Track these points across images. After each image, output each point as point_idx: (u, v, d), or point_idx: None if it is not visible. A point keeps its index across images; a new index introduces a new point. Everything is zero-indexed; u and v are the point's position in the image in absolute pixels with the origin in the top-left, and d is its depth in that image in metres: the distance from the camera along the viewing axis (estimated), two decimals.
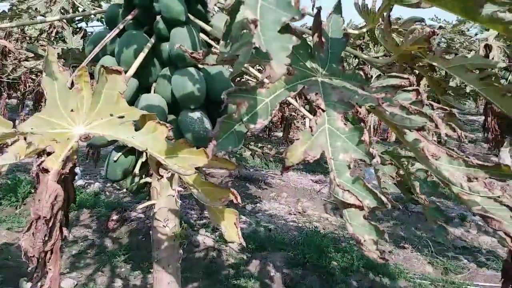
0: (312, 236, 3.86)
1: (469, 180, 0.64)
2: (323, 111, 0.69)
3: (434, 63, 1.37)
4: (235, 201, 0.84)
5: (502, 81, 3.91)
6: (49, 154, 0.68)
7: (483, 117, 3.64)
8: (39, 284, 0.80)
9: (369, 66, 2.44)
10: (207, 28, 1.41)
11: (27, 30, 4.68)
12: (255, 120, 0.71)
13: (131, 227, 4.34)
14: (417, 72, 1.50)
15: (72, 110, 0.82)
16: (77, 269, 3.50)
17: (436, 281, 3.36)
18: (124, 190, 5.37)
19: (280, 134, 8.38)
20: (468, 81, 1.24)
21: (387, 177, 1.24)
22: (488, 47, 2.60)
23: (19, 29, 4.53)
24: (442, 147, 0.70)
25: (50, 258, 0.81)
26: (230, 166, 0.86)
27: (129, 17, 1.37)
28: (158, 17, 1.41)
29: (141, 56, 1.31)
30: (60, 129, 0.77)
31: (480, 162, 0.67)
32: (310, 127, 0.66)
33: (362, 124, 0.71)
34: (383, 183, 1.17)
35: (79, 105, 0.83)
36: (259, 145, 4.10)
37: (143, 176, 1.65)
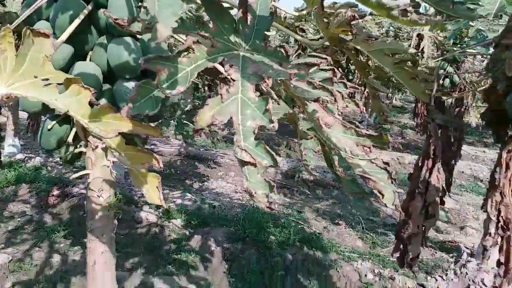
0: (254, 213, 4.01)
1: (357, 146, 0.74)
2: (234, 81, 0.76)
3: (358, 47, 1.48)
4: (157, 165, 0.90)
5: (441, 71, 4.21)
6: None
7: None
8: None
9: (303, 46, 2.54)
10: None
11: None
12: (174, 86, 0.76)
13: (73, 203, 4.24)
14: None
15: None
16: (13, 245, 3.39)
17: (364, 254, 3.63)
18: (68, 165, 5.19)
19: None
20: (385, 64, 1.36)
21: (310, 151, 1.34)
22: (420, 36, 2.80)
23: None
24: (338, 119, 0.79)
25: None
26: (154, 132, 0.91)
27: None
28: None
29: (76, 22, 1.30)
30: None
31: (367, 132, 0.78)
32: (221, 94, 0.72)
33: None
34: (305, 156, 1.27)
35: (1, 66, 0.84)
36: None
37: (79, 145, 1.64)
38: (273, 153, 0.69)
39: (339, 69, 1.59)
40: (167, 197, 4.49)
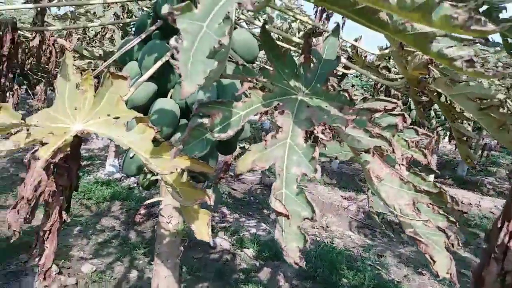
0: (328, 252, 3.84)
1: (414, 204, 0.67)
2: (279, 127, 0.75)
3: (439, 89, 1.38)
4: (208, 203, 0.92)
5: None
6: (44, 144, 0.79)
7: None
8: (37, 259, 0.91)
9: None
10: None
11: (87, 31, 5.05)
12: (226, 130, 0.78)
13: (156, 222, 4.52)
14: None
15: (75, 109, 0.93)
16: (99, 257, 3.70)
17: None
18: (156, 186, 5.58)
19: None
20: (468, 109, 1.24)
21: (377, 197, 1.26)
22: None
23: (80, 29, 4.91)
24: (396, 172, 0.73)
25: (48, 237, 0.92)
26: (209, 169, 0.94)
27: (153, 27, 1.49)
28: None
29: (159, 63, 1.43)
30: (60, 124, 0.88)
31: (426, 188, 0.70)
32: (265, 140, 0.72)
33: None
34: (371, 203, 1.20)
35: (82, 105, 0.94)
36: None
37: (155, 174, 1.76)
38: (313, 204, 0.66)
39: (424, 109, 1.49)
40: (243, 225, 4.54)
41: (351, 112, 0.89)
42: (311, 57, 0.99)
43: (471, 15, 0.43)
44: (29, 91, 7.01)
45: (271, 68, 0.93)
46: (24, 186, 0.70)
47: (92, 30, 5.18)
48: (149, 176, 1.74)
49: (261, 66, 0.89)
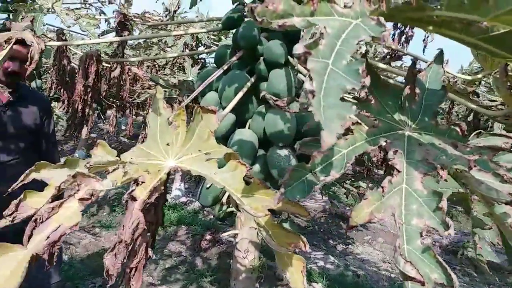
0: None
1: None
2: (398, 171, 0.66)
3: None
4: (303, 249, 0.84)
5: None
6: (140, 183, 0.77)
7: None
8: None
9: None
10: (305, 71, 1.46)
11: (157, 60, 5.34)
12: (328, 171, 0.71)
13: (221, 249, 4.49)
14: None
15: (167, 144, 0.92)
16: (168, 283, 3.73)
17: None
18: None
19: (382, 172, 7.98)
20: None
21: (485, 243, 1.10)
22: None
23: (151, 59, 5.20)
24: None
25: (134, 275, 0.90)
26: (303, 212, 0.86)
27: (234, 58, 1.48)
28: (261, 59, 1.50)
29: (240, 94, 1.41)
30: (154, 161, 0.87)
31: None
32: (382, 186, 0.63)
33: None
34: (479, 250, 1.04)
35: (174, 140, 0.92)
36: (356, 184, 3.96)
37: (230, 205, 1.73)
38: (446, 265, 0.56)
39: None
40: (309, 257, 4.37)
41: (469, 150, 0.78)
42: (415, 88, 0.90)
43: None
44: (101, 116, 7.52)
45: (372, 101, 0.85)
46: (123, 229, 0.67)
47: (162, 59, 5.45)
48: (225, 207, 1.71)
49: (361, 99, 0.82)
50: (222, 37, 5.21)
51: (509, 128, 1.35)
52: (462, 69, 4.11)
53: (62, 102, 2.72)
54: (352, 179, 4.05)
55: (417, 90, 0.90)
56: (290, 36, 1.52)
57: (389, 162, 0.67)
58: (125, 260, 0.67)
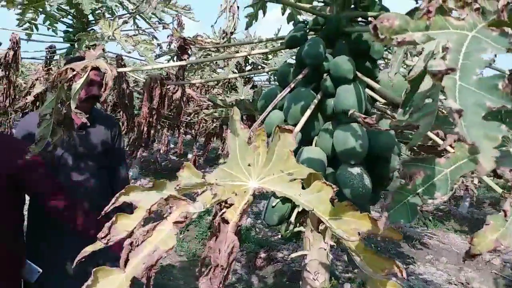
0: None
1: None
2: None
3: None
4: (399, 275, 0.79)
5: None
6: (229, 205, 0.76)
7: None
8: None
9: None
10: (375, 85, 1.41)
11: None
12: (432, 192, 0.66)
13: (277, 268, 4.44)
14: None
15: (249, 165, 0.91)
16: None
17: None
18: (273, 229, 5.54)
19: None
20: None
21: None
22: None
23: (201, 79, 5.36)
24: None
25: None
26: (397, 236, 0.81)
27: (300, 76, 1.47)
28: (326, 75, 1.47)
29: (308, 112, 1.39)
30: (238, 182, 0.86)
31: None
32: (504, 210, 0.58)
33: None
34: None
35: (255, 161, 0.92)
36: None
37: (297, 224, 1.69)
38: None
39: None
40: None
41: None
42: None
43: None
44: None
45: None
46: (219, 254, 0.66)
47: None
48: (291, 227, 1.68)
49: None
50: (270, 56, 5.27)
51: None
52: None
53: (122, 124, 2.84)
54: None
55: None
56: (356, 51, 1.48)
57: (508, 183, 0.61)
58: (221, 285, 0.66)
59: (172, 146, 11.04)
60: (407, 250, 5.47)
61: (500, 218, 0.57)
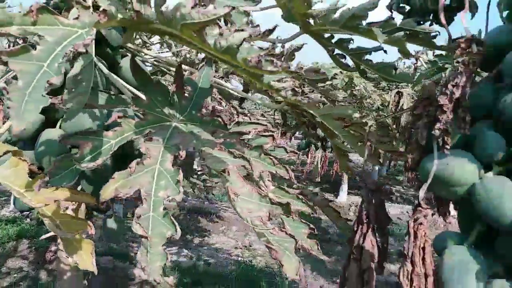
0: (248, 270, 3.92)
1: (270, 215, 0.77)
2: (149, 157, 0.80)
3: (310, 111, 1.54)
4: (90, 233, 0.93)
5: None
6: None
7: None
8: None
9: None
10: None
11: None
12: (96, 159, 0.82)
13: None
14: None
15: None
16: None
17: None
18: None
19: None
20: (334, 128, 1.40)
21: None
22: (399, 94, 2.87)
23: None
24: (256, 188, 0.82)
25: None
26: (91, 200, 0.96)
27: None
28: None
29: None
30: None
31: (278, 201, 0.80)
32: (129, 167, 0.77)
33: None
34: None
35: None
36: (203, 177, 4.16)
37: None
38: (176, 223, 0.73)
39: (308, 128, 1.63)
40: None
41: (223, 135, 0.98)
42: (186, 86, 1.07)
43: (259, 59, 0.53)
44: None
45: (144, 97, 0.99)
46: None
47: None
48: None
49: (133, 96, 0.95)
50: None
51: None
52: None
53: None
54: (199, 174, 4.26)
55: (189, 88, 1.07)
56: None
57: (141, 150, 0.81)
58: None
59: None
60: (205, 224, 6.00)
61: (124, 173, 0.77)
